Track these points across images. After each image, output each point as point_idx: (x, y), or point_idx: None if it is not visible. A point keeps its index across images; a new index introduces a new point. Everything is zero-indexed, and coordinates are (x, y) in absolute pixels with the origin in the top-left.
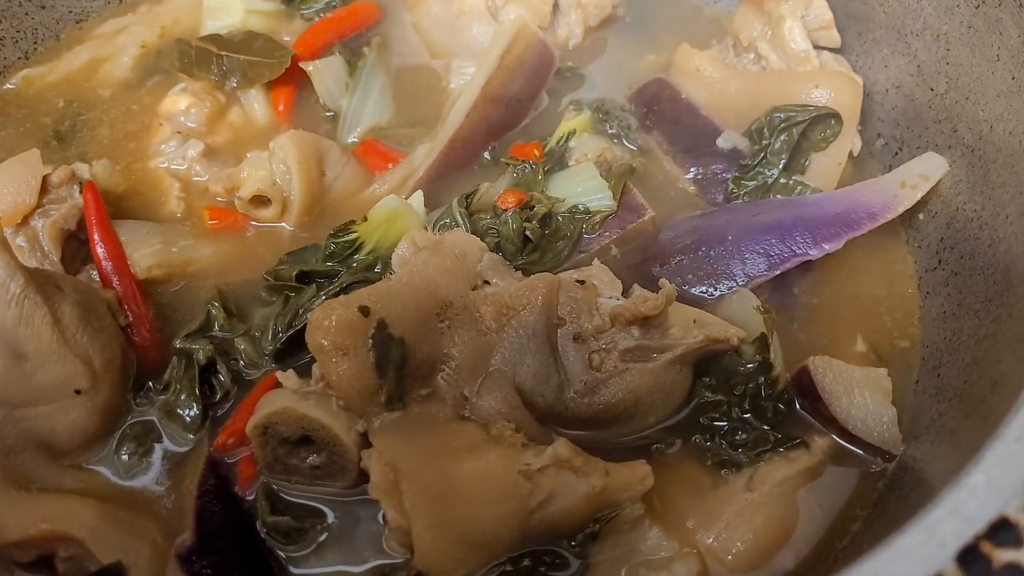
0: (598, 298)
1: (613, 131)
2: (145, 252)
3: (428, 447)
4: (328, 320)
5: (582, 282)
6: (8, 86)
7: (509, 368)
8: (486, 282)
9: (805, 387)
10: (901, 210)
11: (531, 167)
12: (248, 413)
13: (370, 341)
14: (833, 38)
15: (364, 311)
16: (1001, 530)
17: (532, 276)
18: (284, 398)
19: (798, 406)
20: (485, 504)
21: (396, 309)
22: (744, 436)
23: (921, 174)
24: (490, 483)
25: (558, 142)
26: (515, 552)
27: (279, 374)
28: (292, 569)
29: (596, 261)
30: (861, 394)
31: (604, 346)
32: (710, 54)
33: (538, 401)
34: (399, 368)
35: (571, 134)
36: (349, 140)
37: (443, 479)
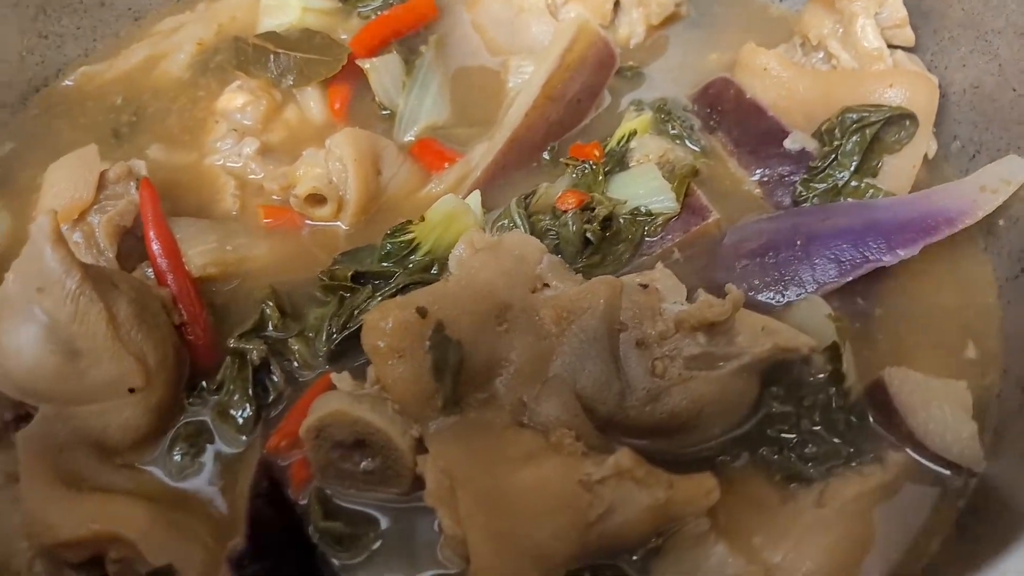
0: (661, 303)
1: (675, 132)
2: (200, 250)
3: (485, 454)
4: (385, 321)
5: (645, 286)
6: (68, 83)
7: (569, 374)
8: (546, 285)
9: (879, 400)
10: (981, 215)
11: (591, 168)
12: (302, 415)
13: (427, 344)
14: (907, 36)
15: (422, 312)
16: None
17: (593, 279)
18: (338, 401)
19: (872, 419)
20: (543, 515)
21: (454, 311)
22: (814, 449)
23: (1002, 178)
24: (548, 493)
25: (619, 143)
26: (574, 566)
27: (333, 376)
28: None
29: (659, 265)
30: (939, 408)
31: (668, 353)
32: (777, 53)
33: (599, 408)
34: (456, 372)
35: (632, 134)
36: (405, 139)
37: (500, 488)
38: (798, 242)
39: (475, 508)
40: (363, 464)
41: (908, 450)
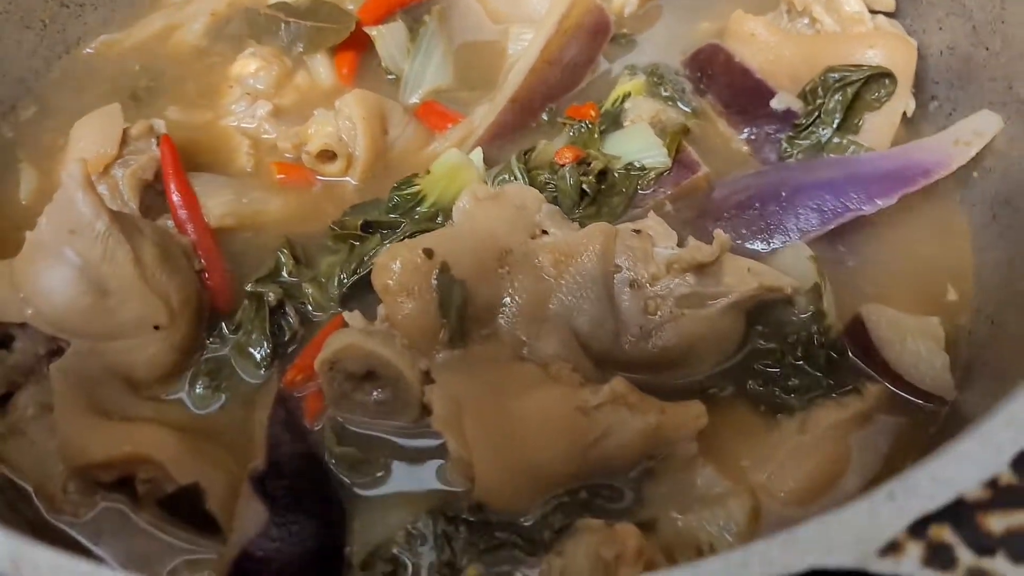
0: (654, 248)
1: (667, 94)
2: (217, 202)
3: (489, 383)
4: (394, 262)
5: (638, 232)
6: (88, 50)
7: (566, 313)
8: (544, 232)
9: (858, 334)
10: (955, 167)
11: (587, 126)
12: (316, 351)
13: (434, 282)
14: (887, 2)
15: (428, 254)
16: None
17: (590, 225)
18: (350, 336)
19: (851, 354)
20: (544, 438)
21: (458, 253)
22: (797, 382)
23: (975, 131)
24: (549, 418)
25: (613, 104)
26: (572, 485)
27: (346, 314)
28: (357, 491)
29: (652, 213)
30: (913, 341)
31: (659, 293)
32: (764, 19)
33: (594, 345)
34: (461, 309)
35: (626, 96)
36: (410, 101)
37: (503, 413)
38: (783, 194)
39: (480, 432)
40: (374, 395)
41: (884, 381)
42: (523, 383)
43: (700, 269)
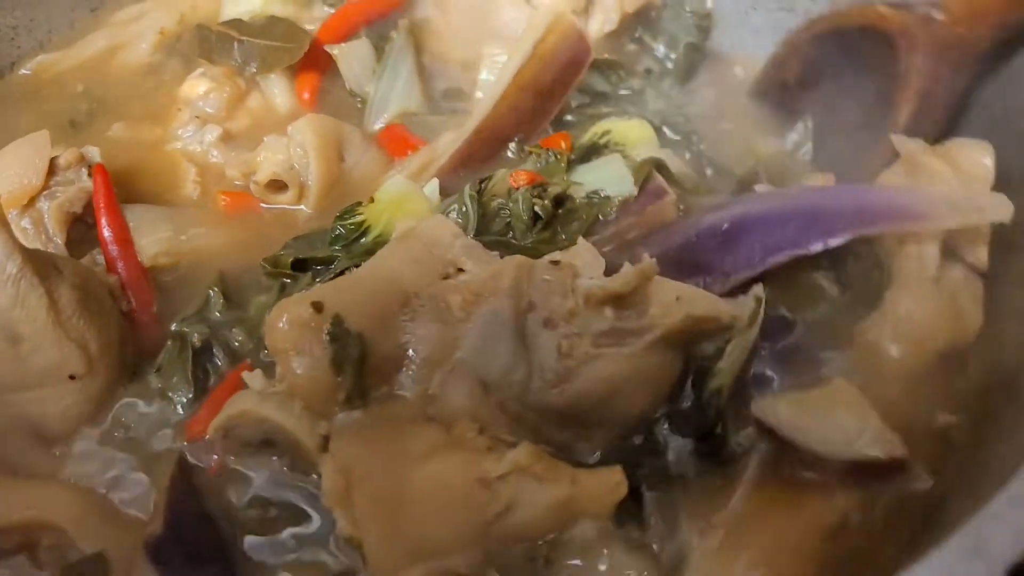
0: (577, 279)
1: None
2: (153, 239)
3: (386, 450)
4: (281, 319)
5: (556, 263)
6: (24, 72)
7: (473, 359)
8: (460, 270)
9: (774, 441)
10: (930, 227)
11: (556, 156)
12: (219, 405)
13: (326, 338)
14: None
15: (317, 307)
16: None
17: (503, 259)
18: (245, 401)
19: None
20: (441, 514)
21: (355, 303)
22: None
23: (977, 208)
24: (447, 491)
25: (591, 139)
26: (474, 564)
27: (244, 374)
28: (256, 558)
29: (581, 239)
30: (832, 415)
31: (576, 331)
32: None
33: (505, 393)
34: (358, 364)
35: (606, 133)
36: (376, 126)
37: (398, 486)
38: (723, 227)
39: (371, 507)
40: (273, 462)
41: (833, 479)
42: (424, 448)
43: (619, 300)
